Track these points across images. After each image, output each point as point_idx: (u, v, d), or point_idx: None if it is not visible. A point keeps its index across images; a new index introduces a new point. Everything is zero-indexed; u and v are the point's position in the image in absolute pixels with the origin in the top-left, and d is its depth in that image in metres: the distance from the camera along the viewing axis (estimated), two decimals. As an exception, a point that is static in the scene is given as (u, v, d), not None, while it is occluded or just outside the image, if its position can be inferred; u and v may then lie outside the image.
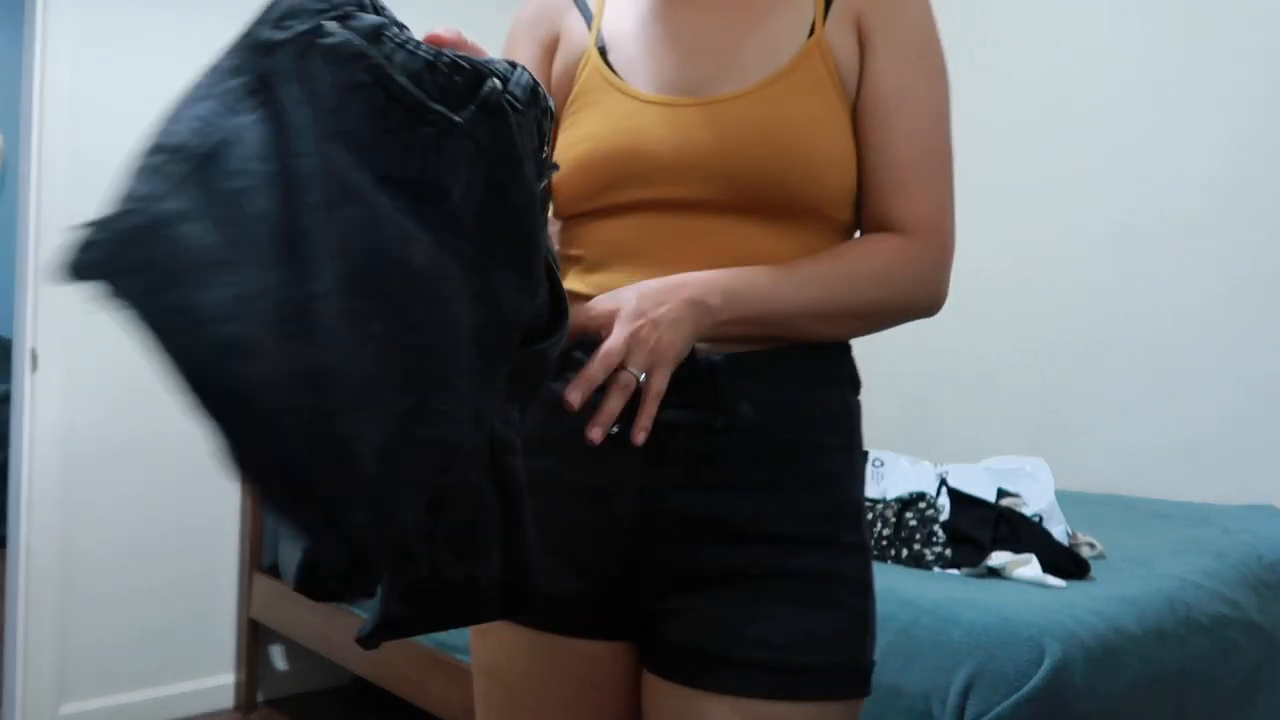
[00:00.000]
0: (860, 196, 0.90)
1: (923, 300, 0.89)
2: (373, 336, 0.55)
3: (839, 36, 0.89)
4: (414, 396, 0.57)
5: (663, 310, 0.78)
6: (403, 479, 0.57)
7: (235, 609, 2.76)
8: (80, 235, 0.51)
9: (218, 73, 0.58)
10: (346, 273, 0.55)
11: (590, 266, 0.90)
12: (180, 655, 2.67)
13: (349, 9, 0.62)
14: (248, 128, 0.56)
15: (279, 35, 0.59)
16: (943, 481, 1.71)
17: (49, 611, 2.43)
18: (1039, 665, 1.14)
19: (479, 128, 0.63)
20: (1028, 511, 1.63)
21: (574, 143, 0.91)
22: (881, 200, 0.88)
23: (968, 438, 2.70)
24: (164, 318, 0.51)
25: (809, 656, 0.80)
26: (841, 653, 0.82)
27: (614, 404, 0.75)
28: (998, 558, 1.48)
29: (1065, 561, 1.48)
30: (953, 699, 1.18)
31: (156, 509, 2.62)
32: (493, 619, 0.73)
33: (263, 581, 2.67)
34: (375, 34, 0.62)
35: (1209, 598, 1.48)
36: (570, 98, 0.94)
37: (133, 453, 2.57)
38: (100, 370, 2.51)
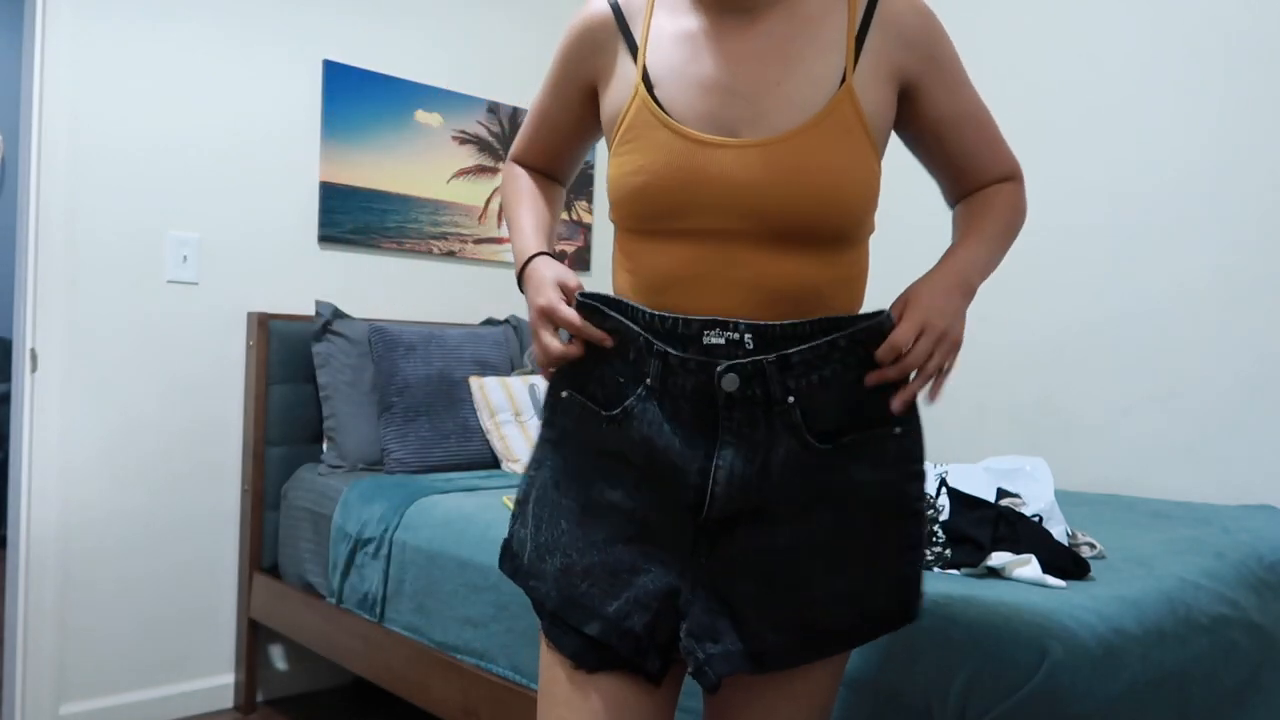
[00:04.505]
0: (955, 180, 1.15)
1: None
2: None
3: (870, 85, 1.03)
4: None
5: (949, 310, 1.01)
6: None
7: (235, 609, 2.76)
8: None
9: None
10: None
11: (650, 289, 1.06)
12: (180, 655, 2.67)
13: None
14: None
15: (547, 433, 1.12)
16: (943, 481, 1.71)
17: (49, 611, 2.43)
18: (1039, 665, 1.14)
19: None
20: (1028, 511, 1.63)
21: (630, 172, 1.04)
22: (980, 175, 1.13)
23: (968, 438, 2.70)
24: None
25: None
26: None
27: (917, 386, 1.00)
28: (998, 558, 1.48)
29: (1065, 561, 1.48)
30: (953, 699, 1.18)
31: (156, 509, 2.62)
32: None
33: (263, 581, 2.67)
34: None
35: (1209, 598, 1.48)
36: (620, 128, 1.06)
37: (132, 453, 2.57)
38: (100, 370, 2.51)
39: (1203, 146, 2.33)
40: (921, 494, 1.02)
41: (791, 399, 0.98)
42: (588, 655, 1.04)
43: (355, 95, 2.93)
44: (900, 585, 1.04)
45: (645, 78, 1.05)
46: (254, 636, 2.74)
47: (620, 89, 1.08)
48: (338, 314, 2.76)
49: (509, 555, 1.12)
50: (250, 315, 2.73)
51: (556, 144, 1.24)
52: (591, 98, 1.16)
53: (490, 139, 3.27)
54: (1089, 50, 2.54)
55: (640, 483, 1.03)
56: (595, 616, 1.03)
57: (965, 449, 2.69)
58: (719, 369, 0.98)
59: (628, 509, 1.04)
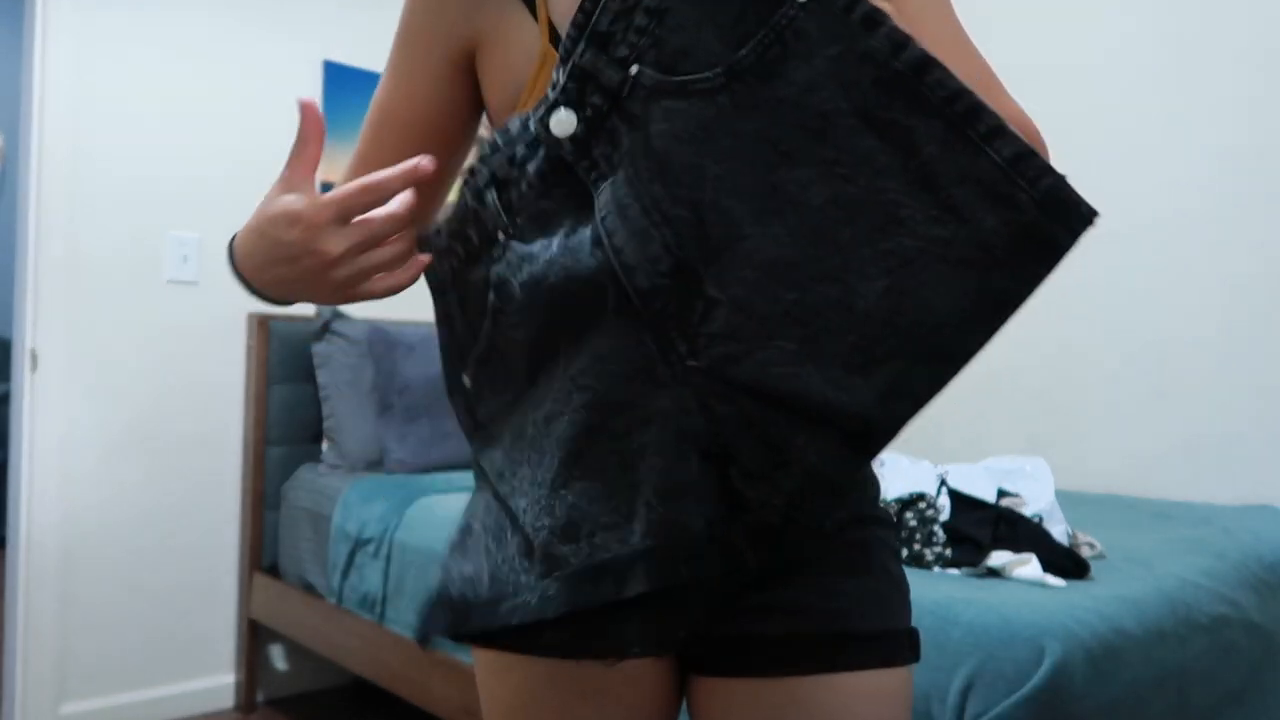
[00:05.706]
0: None
1: None
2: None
3: None
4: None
5: None
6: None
7: (235, 609, 2.76)
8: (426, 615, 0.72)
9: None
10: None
11: None
12: (180, 655, 2.67)
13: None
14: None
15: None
16: (943, 481, 1.71)
17: (49, 611, 2.43)
18: (1039, 665, 1.14)
19: None
20: (1028, 511, 1.63)
21: None
22: None
23: (968, 438, 2.69)
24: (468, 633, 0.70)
25: (878, 622, 0.77)
26: (898, 618, 0.79)
27: None
28: (998, 558, 1.48)
29: (1065, 561, 1.48)
30: (952, 699, 1.18)
31: (156, 509, 2.62)
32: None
33: (263, 581, 2.67)
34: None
35: (1209, 598, 1.48)
36: (524, 105, 0.78)
37: (132, 453, 2.57)
38: (100, 370, 2.51)
39: (1203, 146, 2.33)
40: (901, 38, 0.60)
41: (635, 66, 0.64)
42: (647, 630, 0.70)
43: (355, 95, 2.93)
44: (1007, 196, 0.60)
45: (554, 37, 0.77)
46: (254, 636, 2.74)
47: (519, 56, 0.79)
48: (337, 314, 2.76)
49: (449, 608, 0.69)
50: (250, 315, 2.73)
51: (413, 153, 0.84)
52: (467, 73, 0.84)
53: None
54: (1089, 48, 2.54)
55: (575, 353, 0.67)
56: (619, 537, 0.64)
57: (965, 449, 2.69)
58: (537, 117, 0.67)
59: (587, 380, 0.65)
